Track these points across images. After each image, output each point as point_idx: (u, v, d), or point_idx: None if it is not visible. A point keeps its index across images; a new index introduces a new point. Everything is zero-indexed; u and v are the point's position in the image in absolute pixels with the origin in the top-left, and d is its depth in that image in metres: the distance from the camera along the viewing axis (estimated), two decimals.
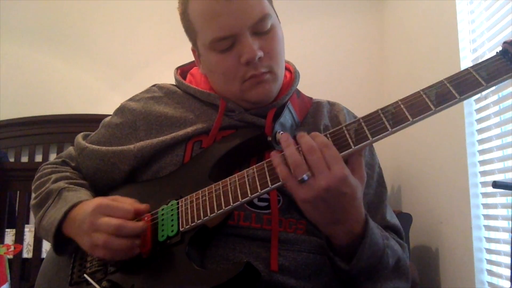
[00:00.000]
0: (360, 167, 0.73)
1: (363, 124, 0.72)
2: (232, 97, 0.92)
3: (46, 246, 2.19)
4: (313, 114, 0.99)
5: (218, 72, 0.90)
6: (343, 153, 0.71)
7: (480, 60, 0.72)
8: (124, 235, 0.78)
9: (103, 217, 0.79)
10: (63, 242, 0.88)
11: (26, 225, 2.27)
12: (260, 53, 0.85)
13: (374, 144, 0.99)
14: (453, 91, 0.68)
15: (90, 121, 2.65)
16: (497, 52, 0.69)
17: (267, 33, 0.87)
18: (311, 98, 1.05)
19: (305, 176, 0.68)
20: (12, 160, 2.91)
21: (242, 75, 0.87)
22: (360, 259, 0.76)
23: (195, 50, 0.96)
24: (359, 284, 0.82)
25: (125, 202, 0.82)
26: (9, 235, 2.26)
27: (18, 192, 2.31)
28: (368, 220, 0.77)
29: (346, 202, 0.71)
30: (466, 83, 0.68)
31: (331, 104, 1.03)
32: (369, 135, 0.70)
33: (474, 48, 1.91)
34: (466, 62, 1.92)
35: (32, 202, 0.97)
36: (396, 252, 0.85)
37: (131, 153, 0.93)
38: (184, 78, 1.03)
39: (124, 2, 3.16)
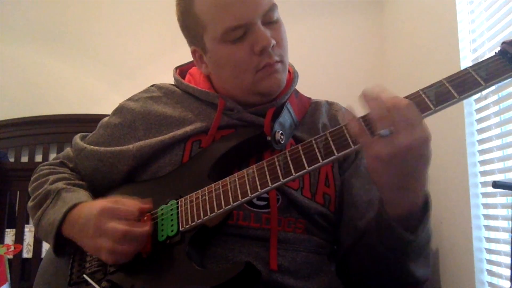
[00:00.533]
0: None
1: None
2: (241, 92, 0.92)
3: (46, 246, 2.18)
4: (312, 113, 0.99)
5: (230, 65, 0.90)
6: (342, 152, 0.71)
7: (480, 60, 0.72)
8: (131, 240, 0.77)
9: (110, 221, 0.78)
10: (63, 243, 0.88)
11: (26, 225, 2.27)
12: (273, 41, 0.86)
13: None
14: (453, 91, 0.68)
15: (90, 121, 2.63)
16: (496, 52, 0.70)
17: (276, 23, 0.89)
18: (309, 98, 1.05)
19: (386, 131, 0.63)
20: (12, 160, 2.91)
21: (256, 65, 0.88)
22: (424, 230, 0.72)
23: (196, 50, 0.95)
24: (406, 263, 0.78)
25: (128, 204, 0.82)
26: (9, 235, 2.25)
27: (18, 192, 2.31)
28: (429, 195, 0.73)
29: (421, 166, 0.67)
30: (465, 83, 0.68)
31: (330, 104, 1.04)
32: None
33: (474, 48, 1.91)
34: (466, 62, 1.92)
35: (30, 203, 0.96)
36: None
37: (130, 153, 0.93)
38: (183, 77, 1.03)
39: (124, 2, 3.16)
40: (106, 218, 0.78)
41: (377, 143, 0.64)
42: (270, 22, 0.88)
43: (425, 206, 0.72)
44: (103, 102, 3.05)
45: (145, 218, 0.83)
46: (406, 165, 0.65)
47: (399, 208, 0.71)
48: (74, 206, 0.85)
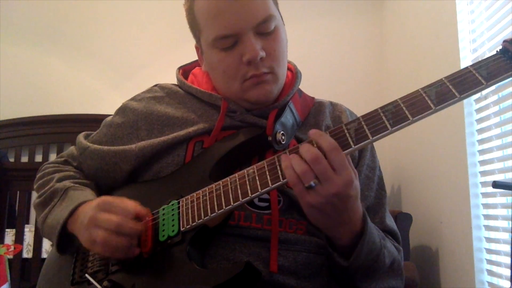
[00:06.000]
0: (351, 164, 0.74)
1: (363, 123, 0.72)
2: (233, 96, 0.92)
3: (46, 246, 2.20)
4: (315, 114, 0.99)
5: (220, 70, 0.90)
6: (344, 152, 0.71)
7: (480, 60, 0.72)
8: (124, 233, 0.78)
9: (105, 213, 0.79)
10: (66, 241, 0.88)
11: (26, 225, 2.28)
12: (262, 53, 0.85)
13: (374, 144, 1.00)
14: (453, 90, 0.68)
15: (90, 121, 2.65)
16: (497, 51, 0.69)
17: (270, 34, 0.87)
18: (313, 98, 1.04)
19: (312, 183, 0.69)
20: (12, 160, 2.91)
21: (243, 74, 0.87)
22: (358, 255, 0.77)
23: (198, 47, 0.96)
24: (355, 282, 0.82)
25: (127, 203, 0.82)
26: (9, 235, 2.26)
27: (18, 192, 2.31)
28: (367, 217, 0.79)
29: (351, 203, 0.73)
30: (466, 82, 0.68)
31: (333, 105, 1.03)
32: (369, 135, 0.70)
33: (474, 48, 1.91)
34: (466, 62, 1.93)
35: (36, 201, 0.96)
36: (392, 253, 0.86)
37: (132, 153, 0.93)
38: (186, 78, 1.03)
39: (124, 2, 3.16)
40: (102, 210, 0.80)
41: (307, 193, 0.70)
42: (264, 33, 0.87)
43: (363, 230, 0.78)
44: (103, 102, 3.05)
45: (146, 218, 0.84)
46: (336, 208, 0.71)
47: (341, 240, 0.78)
48: (81, 204, 0.86)
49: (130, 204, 0.82)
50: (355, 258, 0.77)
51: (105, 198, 0.83)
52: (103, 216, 0.79)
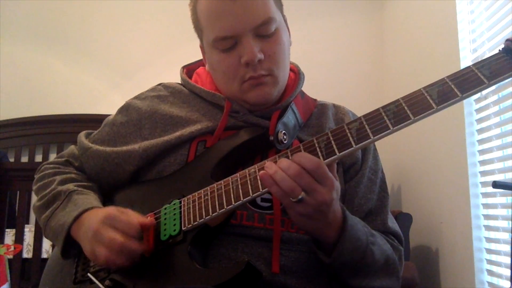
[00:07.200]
0: (334, 171, 0.76)
1: (364, 123, 0.72)
2: (233, 96, 0.92)
3: (46, 246, 2.19)
4: (318, 116, 0.99)
5: (220, 71, 0.91)
6: (344, 152, 0.72)
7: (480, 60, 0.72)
8: (126, 254, 0.78)
9: (109, 230, 0.78)
10: (69, 245, 0.88)
11: (26, 225, 2.27)
12: (260, 56, 0.85)
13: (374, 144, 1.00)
14: (455, 90, 0.68)
15: (90, 121, 2.65)
16: (499, 50, 0.69)
17: (270, 36, 0.87)
18: (315, 100, 1.04)
19: (300, 197, 0.70)
20: (12, 160, 2.91)
21: (242, 76, 0.88)
22: (341, 252, 0.77)
23: (202, 47, 0.97)
24: (345, 280, 0.83)
25: (132, 216, 0.82)
26: (9, 235, 2.25)
27: (18, 192, 2.31)
28: (346, 214, 0.79)
29: (334, 205, 0.75)
30: (468, 81, 0.68)
31: (336, 107, 1.03)
32: (370, 134, 0.70)
33: (474, 48, 1.91)
34: (466, 62, 1.93)
35: (37, 203, 0.95)
36: (384, 251, 0.86)
37: (136, 154, 0.93)
38: (190, 77, 1.03)
39: (124, 2, 3.16)
40: (107, 226, 0.79)
41: (297, 205, 0.72)
42: (264, 35, 0.87)
43: (343, 227, 0.78)
44: (103, 102, 3.05)
45: (148, 217, 0.84)
46: (324, 213, 0.74)
47: (328, 238, 0.78)
48: (86, 211, 0.85)
49: (133, 218, 0.81)
50: (338, 255, 0.78)
51: (110, 212, 0.82)
52: (107, 233, 0.78)
